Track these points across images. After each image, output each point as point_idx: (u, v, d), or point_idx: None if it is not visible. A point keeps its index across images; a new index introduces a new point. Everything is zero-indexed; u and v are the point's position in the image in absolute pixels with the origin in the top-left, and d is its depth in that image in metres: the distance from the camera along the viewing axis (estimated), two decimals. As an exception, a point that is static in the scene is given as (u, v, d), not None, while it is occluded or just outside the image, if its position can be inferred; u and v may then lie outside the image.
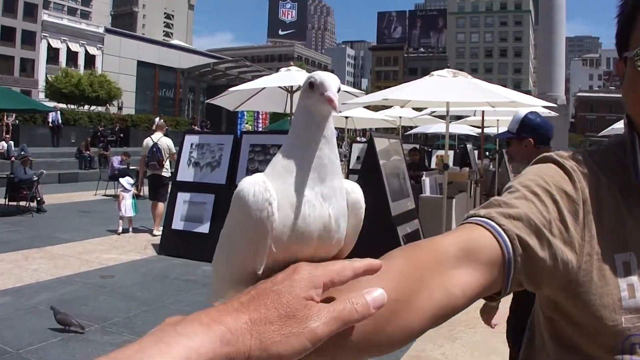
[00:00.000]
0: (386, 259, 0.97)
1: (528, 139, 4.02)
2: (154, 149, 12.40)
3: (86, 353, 5.68)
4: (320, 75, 0.88)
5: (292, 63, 14.44)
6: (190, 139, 11.21)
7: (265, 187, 0.85)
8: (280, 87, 12.52)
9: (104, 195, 19.03)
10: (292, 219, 0.85)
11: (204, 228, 10.25)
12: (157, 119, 39.08)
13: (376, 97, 11.47)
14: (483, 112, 13.06)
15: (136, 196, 13.17)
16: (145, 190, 13.76)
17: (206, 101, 18.47)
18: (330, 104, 0.86)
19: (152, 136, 12.95)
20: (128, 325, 6.62)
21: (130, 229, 12.69)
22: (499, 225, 1.07)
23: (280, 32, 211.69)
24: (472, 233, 1.08)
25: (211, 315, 0.72)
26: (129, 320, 6.82)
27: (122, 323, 6.68)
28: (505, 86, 13.45)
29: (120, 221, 12.58)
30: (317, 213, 0.86)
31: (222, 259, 0.92)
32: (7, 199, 15.40)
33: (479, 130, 15.46)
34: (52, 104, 34.02)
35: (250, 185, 0.85)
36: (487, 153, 22.84)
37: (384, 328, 0.89)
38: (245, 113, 36.81)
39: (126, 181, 12.60)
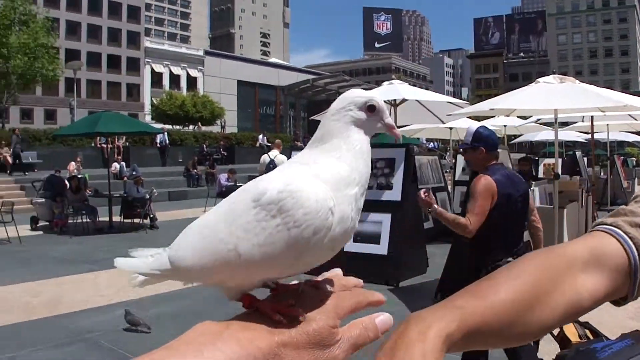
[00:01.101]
0: (521, 260, 1.09)
1: (480, 148, 4.80)
2: (271, 166, 12.80)
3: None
4: (379, 100, 0.93)
5: (394, 76, 14.63)
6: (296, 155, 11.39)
7: (329, 194, 0.83)
8: (384, 100, 12.67)
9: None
10: (338, 233, 0.84)
11: (382, 249, 9.84)
12: (260, 136, 40.14)
13: (482, 107, 11.31)
14: (592, 117, 12.75)
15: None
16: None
17: (311, 117, 18.78)
18: (393, 133, 0.96)
19: (269, 153, 13.51)
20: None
21: None
22: (626, 233, 1.11)
23: (377, 45, 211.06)
24: (600, 240, 1.13)
25: (247, 335, 0.74)
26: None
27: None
28: (612, 88, 13.14)
29: None
30: (353, 229, 0.88)
31: (234, 263, 0.81)
32: (122, 217, 16.32)
33: (588, 136, 14.97)
34: (159, 126, 35.27)
35: (312, 187, 0.81)
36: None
37: (522, 320, 0.99)
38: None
39: None
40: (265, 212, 0.80)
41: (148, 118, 61.26)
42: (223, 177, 19.97)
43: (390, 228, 9.53)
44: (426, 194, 4.80)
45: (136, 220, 16.10)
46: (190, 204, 22.48)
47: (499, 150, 5.10)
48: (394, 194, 9.67)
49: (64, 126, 38.56)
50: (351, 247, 9.56)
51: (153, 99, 71.97)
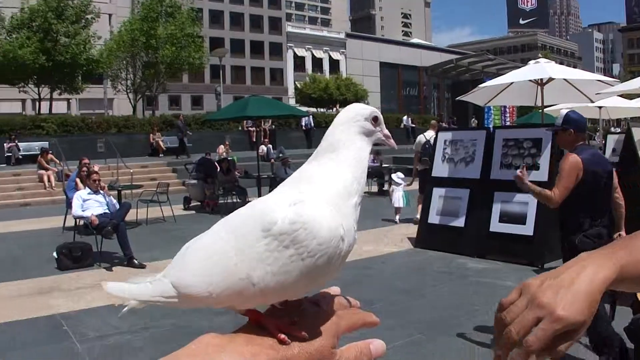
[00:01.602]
0: None
1: (570, 130, 5.37)
2: (426, 146, 12.88)
3: (354, 333, 6.19)
4: (378, 112, 0.98)
5: (540, 54, 14.22)
6: (443, 136, 11.37)
7: (339, 220, 0.86)
8: (530, 80, 12.35)
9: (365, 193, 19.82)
10: (345, 251, 0.88)
11: (460, 222, 10.28)
12: (405, 118, 39.98)
13: (634, 84, 10.87)
14: None
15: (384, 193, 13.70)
16: (415, 184, 14.12)
17: (456, 98, 18.54)
18: (389, 142, 1.01)
19: (424, 134, 13.57)
20: (389, 309, 7.03)
21: (398, 219, 13.45)
22: None
23: (521, 21, 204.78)
24: None
25: (250, 350, 0.77)
26: (390, 305, 7.26)
27: (384, 308, 7.09)
28: None
29: (397, 212, 13.52)
30: (355, 241, 0.91)
31: (246, 291, 0.83)
32: (271, 198, 16.68)
33: None
34: (303, 109, 35.84)
35: (323, 217, 0.84)
36: None
37: None
38: (492, 108, 36.25)
39: (397, 176, 13.48)
40: (277, 242, 0.82)
41: (292, 101, 62.34)
42: (369, 158, 20.09)
43: (537, 209, 9.33)
44: (521, 171, 5.50)
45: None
46: (336, 184, 22.69)
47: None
48: (541, 174, 9.37)
49: (211, 111, 39.93)
50: (497, 227, 9.77)
51: (296, 82, 73.23)
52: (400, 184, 13.33)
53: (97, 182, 10.53)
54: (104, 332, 6.49)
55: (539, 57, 12.98)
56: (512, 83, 12.67)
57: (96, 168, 13.52)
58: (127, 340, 6.22)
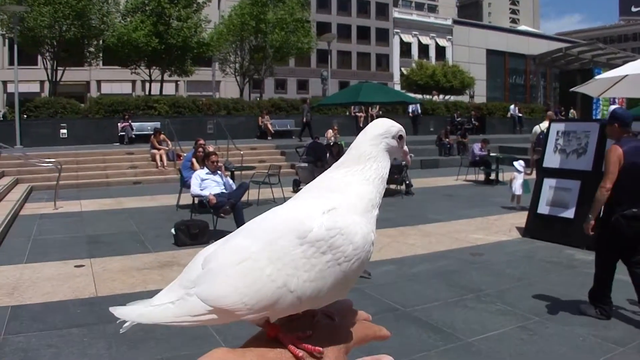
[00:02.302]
0: None
1: (615, 124, 6.30)
2: (541, 136, 12.91)
3: (465, 317, 6.30)
4: (404, 131, 1.08)
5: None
6: (556, 127, 11.19)
7: (370, 229, 0.91)
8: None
9: (464, 181, 19.69)
10: (369, 260, 0.93)
11: (570, 213, 10.13)
12: (512, 107, 39.30)
13: None
14: None
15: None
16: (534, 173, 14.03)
17: (570, 89, 18.15)
18: (407, 158, 1.12)
19: (540, 124, 13.61)
20: (500, 296, 7.07)
21: (517, 206, 13.42)
22: None
23: (633, 9, 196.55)
24: None
25: None
26: (500, 292, 7.27)
27: (494, 294, 7.15)
28: None
29: (514, 198, 13.56)
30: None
31: (283, 299, 0.85)
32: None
33: None
34: (412, 96, 35.70)
35: (356, 224, 0.89)
36: None
37: None
38: (600, 99, 35.27)
39: (519, 164, 13.43)
40: (314, 249, 0.86)
41: (397, 88, 62.14)
42: (477, 147, 19.89)
43: (579, 194, 9.94)
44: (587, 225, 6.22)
45: (392, 186, 16.66)
46: (442, 172, 22.81)
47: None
48: (585, 164, 10.05)
49: (317, 96, 40.28)
50: (543, 209, 10.49)
51: (402, 68, 72.89)
52: (521, 172, 13.27)
53: (215, 162, 10.91)
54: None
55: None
56: (627, 75, 12.36)
57: (211, 149, 13.96)
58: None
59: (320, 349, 0.86)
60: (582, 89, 13.40)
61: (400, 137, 1.06)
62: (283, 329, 0.88)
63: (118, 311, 0.88)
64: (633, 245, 6.05)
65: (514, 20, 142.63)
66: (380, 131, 1.04)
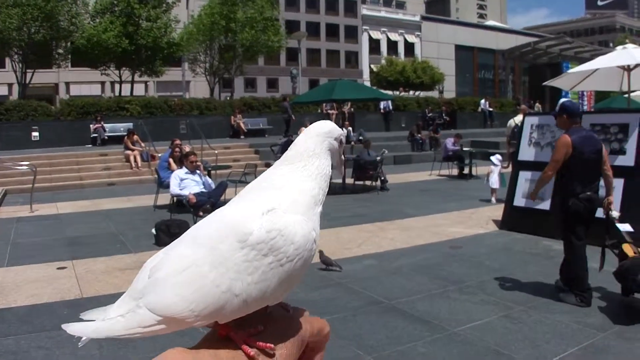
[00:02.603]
0: None
1: (563, 115, 6.84)
2: (515, 130, 13.13)
3: (449, 308, 6.41)
4: (344, 140, 1.07)
5: (627, 40, 14.12)
6: (530, 120, 11.35)
7: (311, 227, 0.91)
8: (617, 66, 12.22)
9: (438, 175, 19.85)
10: (314, 253, 0.93)
11: (545, 205, 10.14)
12: (482, 101, 39.64)
13: None
14: None
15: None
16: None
17: (544, 83, 18.42)
18: (340, 169, 1.10)
19: (514, 118, 14.07)
20: (482, 287, 7.21)
21: (494, 200, 13.68)
22: None
23: (599, 3, 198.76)
24: None
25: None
26: (482, 283, 7.40)
27: (476, 285, 7.29)
28: None
29: (492, 193, 13.81)
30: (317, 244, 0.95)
31: (229, 304, 0.85)
32: (354, 179, 17.11)
33: None
34: (384, 92, 35.80)
35: (296, 223, 0.89)
36: None
37: None
38: (569, 93, 35.68)
39: (496, 158, 13.69)
40: (255, 252, 0.85)
41: (367, 84, 62.39)
42: (449, 142, 20.05)
43: (623, 192, 9.31)
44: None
45: (367, 182, 16.78)
46: (415, 167, 23.01)
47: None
48: (627, 159, 9.44)
49: (286, 94, 40.30)
50: (519, 202, 10.71)
51: (371, 65, 73.08)
52: (498, 166, 13.46)
53: (194, 162, 10.96)
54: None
55: (626, 42, 12.82)
56: (597, 69, 12.58)
57: (187, 149, 13.98)
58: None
59: (272, 345, 0.86)
60: (555, 82, 13.67)
61: (341, 141, 1.05)
62: (234, 327, 0.88)
63: (71, 328, 0.87)
64: (588, 225, 6.67)
65: (481, 16, 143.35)
66: (325, 130, 1.04)
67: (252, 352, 0.84)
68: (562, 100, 7.45)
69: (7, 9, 31.93)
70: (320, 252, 8.17)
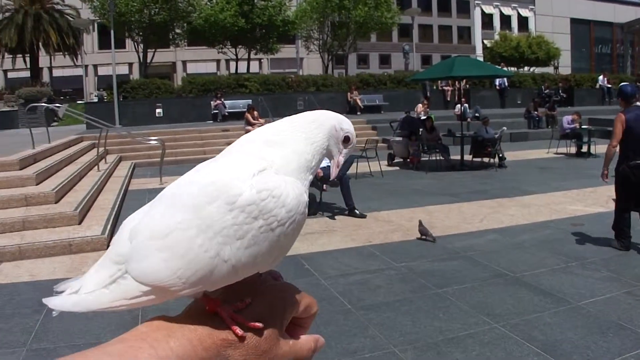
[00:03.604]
0: None
1: (620, 98, 8.42)
2: None
3: (572, 282, 6.63)
4: (354, 141, 0.98)
5: None
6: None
7: (303, 189, 0.86)
8: None
9: (555, 154, 19.66)
10: (304, 221, 0.88)
11: None
12: (600, 77, 38.61)
13: None
14: None
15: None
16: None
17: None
18: (334, 171, 0.99)
19: None
20: (604, 264, 7.36)
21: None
22: None
23: None
24: None
25: (198, 335, 0.79)
26: (604, 260, 7.54)
27: (599, 262, 7.43)
28: None
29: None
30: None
31: (218, 270, 0.81)
32: (472, 155, 17.29)
33: None
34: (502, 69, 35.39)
35: (287, 184, 0.84)
36: None
37: None
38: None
39: None
40: (245, 214, 0.80)
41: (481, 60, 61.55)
42: (567, 119, 19.76)
43: None
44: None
45: (485, 160, 16.93)
46: (531, 145, 22.77)
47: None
48: None
49: (399, 70, 40.33)
50: None
51: (484, 41, 71.94)
52: None
53: (321, 137, 11.41)
54: (343, 271, 7.29)
55: None
56: None
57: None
58: (367, 279, 6.96)
59: (260, 324, 0.83)
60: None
61: (346, 139, 0.97)
62: (222, 302, 0.84)
63: (52, 302, 0.84)
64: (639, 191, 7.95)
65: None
66: (336, 126, 0.96)
67: (240, 332, 0.81)
68: (621, 84, 9.06)
69: (129, -8, 33.42)
70: (420, 221, 8.72)
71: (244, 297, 0.85)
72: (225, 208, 0.80)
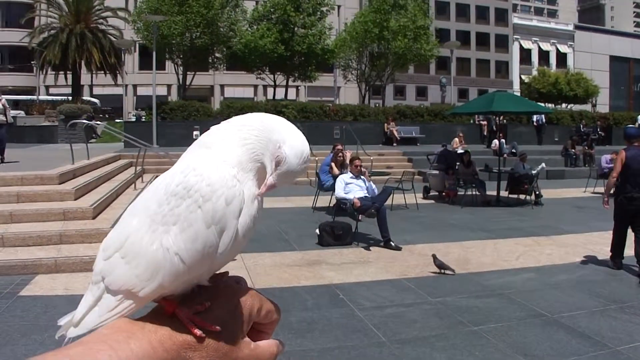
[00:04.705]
0: None
1: (625, 138, 9.71)
2: None
3: (611, 326, 6.52)
4: (288, 167, 0.92)
5: None
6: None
7: (230, 168, 0.87)
8: None
9: (593, 193, 19.47)
10: (252, 217, 0.89)
11: None
12: (639, 117, 38.31)
13: None
14: None
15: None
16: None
17: None
18: (262, 190, 0.93)
19: None
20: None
21: None
22: None
23: None
24: None
25: (159, 337, 0.80)
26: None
27: (637, 306, 7.28)
28: None
29: None
30: (261, 210, 0.93)
31: (163, 261, 0.83)
32: (508, 191, 17.15)
33: None
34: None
35: (212, 162, 0.87)
36: None
37: None
38: None
39: None
40: (175, 198, 0.83)
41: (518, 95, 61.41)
42: (605, 159, 19.57)
43: None
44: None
45: (521, 196, 16.81)
46: (568, 183, 22.61)
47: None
48: None
49: (435, 103, 40.35)
50: None
51: (522, 76, 71.83)
52: None
53: (359, 167, 11.44)
54: (379, 303, 7.25)
55: None
56: None
57: (348, 154, 14.54)
58: (402, 312, 6.92)
59: (218, 328, 0.84)
60: None
61: (278, 163, 0.92)
62: (180, 305, 0.86)
63: (70, 331, 0.90)
64: (634, 219, 9.10)
65: (638, 24, 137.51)
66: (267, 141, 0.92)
67: (199, 332, 0.82)
68: (626, 126, 10.02)
69: (172, 16, 33.98)
70: (434, 255, 8.73)
71: (204, 300, 0.87)
72: (163, 198, 0.84)
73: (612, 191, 9.57)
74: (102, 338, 0.78)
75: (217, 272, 0.93)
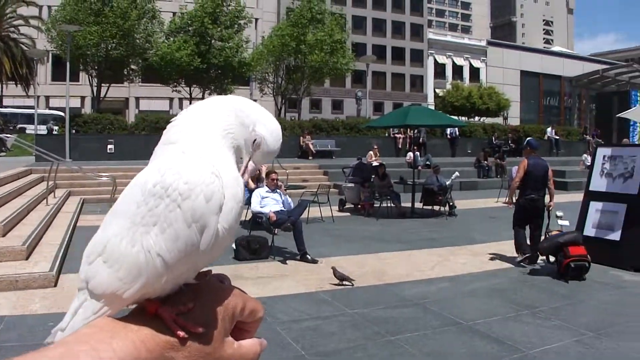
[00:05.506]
0: None
1: (527, 147, 11.09)
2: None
3: (523, 331, 6.68)
4: (267, 147, 0.95)
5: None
6: (602, 151, 11.53)
7: (208, 164, 0.85)
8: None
9: (504, 203, 19.88)
10: (234, 214, 0.88)
11: (616, 236, 10.36)
12: (549, 129, 39.44)
13: None
14: None
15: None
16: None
17: (618, 115, 18.37)
18: (245, 175, 0.96)
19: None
20: (554, 313, 7.43)
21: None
22: None
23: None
24: None
25: (141, 337, 0.79)
26: (553, 309, 7.63)
27: (548, 311, 7.51)
28: None
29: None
30: (242, 207, 0.92)
31: (145, 262, 0.82)
32: (422, 203, 17.37)
33: None
34: (454, 118, 36.02)
35: (188, 159, 0.85)
36: None
37: None
38: (637, 123, 35.23)
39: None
40: (153, 198, 0.82)
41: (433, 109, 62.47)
42: (515, 170, 20.06)
43: (625, 217, 10.37)
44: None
45: (435, 208, 17.07)
46: (481, 194, 23.04)
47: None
48: (632, 188, 10.51)
49: (350, 116, 40.70)
50: (589, 232, 10.80)
51: (436, 89, 73.13)
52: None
53: (275, 181, 11.40)
54: (296, 317, 7.22)
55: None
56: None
57: (264, 168, 14.47)
58: (319, 325, 6.90)
59: (201, 329, 0.83)
60: (629, 114, 13.78)
61: (257, 145, 0.95)
62: (163, 305, 0.85)
63: (59, 336, 0.89)
64: (532, 218, 10.35)
65: (547, 41, 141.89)
66: (248, 117, 0.94)
67: (182, 333, 0.81)
68: (528, 138, 12.38)
69: (88, 26, 33.32)
70: (333, 268, 8.69)
71: (187, 300, 0.86)
72: (141, 199, 0.83)
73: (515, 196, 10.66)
74: (84, 338, 0.77)
75: (201, 270, 0.92)
